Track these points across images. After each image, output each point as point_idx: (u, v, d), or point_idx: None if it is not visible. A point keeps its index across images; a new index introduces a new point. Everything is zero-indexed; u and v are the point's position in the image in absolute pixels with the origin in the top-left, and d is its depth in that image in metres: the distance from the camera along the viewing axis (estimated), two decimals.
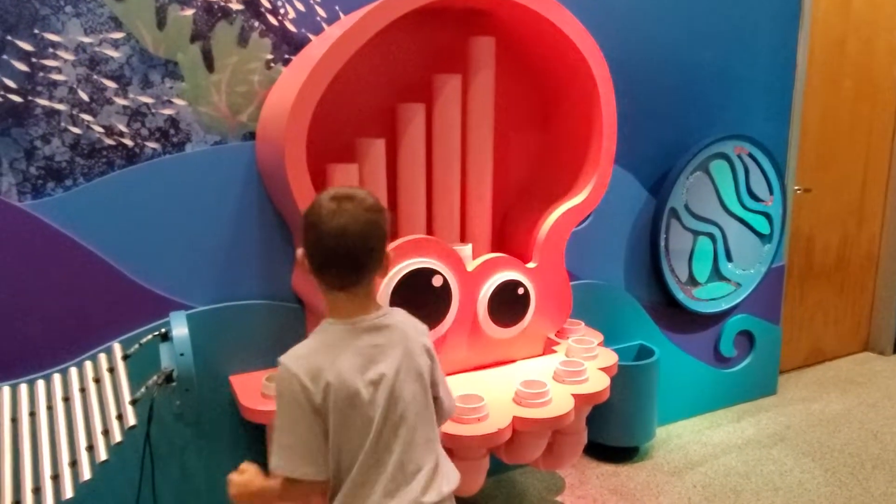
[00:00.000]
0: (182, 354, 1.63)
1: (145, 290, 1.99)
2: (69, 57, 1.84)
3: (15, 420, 1.65)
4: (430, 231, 2.17)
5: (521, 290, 2.12)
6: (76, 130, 1.88)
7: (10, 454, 1.58)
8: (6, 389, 1.70)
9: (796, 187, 3.34)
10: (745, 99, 2.96)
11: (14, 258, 1.82)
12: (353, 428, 1.19)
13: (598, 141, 2.21)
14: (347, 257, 1.18)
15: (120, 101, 1.91)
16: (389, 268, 1.28)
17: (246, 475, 1.23)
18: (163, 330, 1.76)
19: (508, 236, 2.39)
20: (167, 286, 2.02)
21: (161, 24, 1.92)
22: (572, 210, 2.21)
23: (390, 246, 1.95)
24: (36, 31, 1.79)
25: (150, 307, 1.99)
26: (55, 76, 1.84)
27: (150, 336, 1.77)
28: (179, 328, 1.68)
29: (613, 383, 2.21)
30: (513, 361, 2.23)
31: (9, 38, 1.77)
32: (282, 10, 2.04)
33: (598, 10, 2.44)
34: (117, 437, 1.60)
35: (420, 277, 1.96)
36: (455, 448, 1.80)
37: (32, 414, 1.68)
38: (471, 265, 2.10)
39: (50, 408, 1.70)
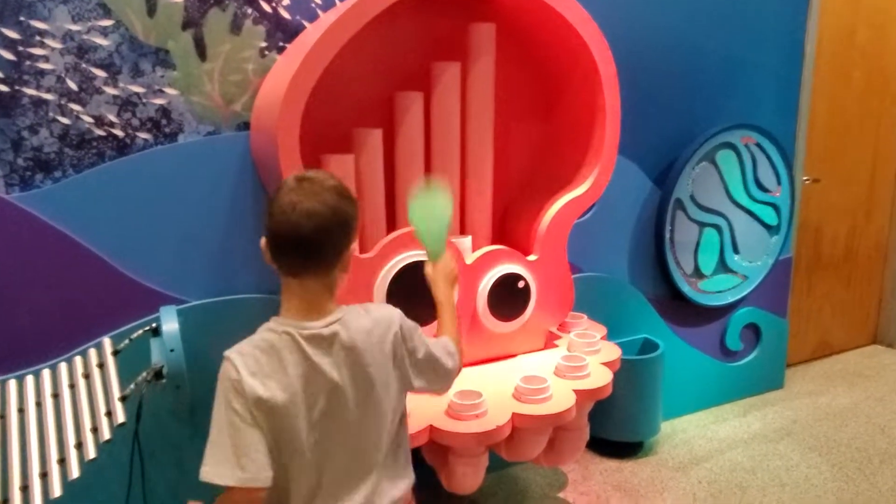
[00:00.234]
0: (172, 350, 1.59)
1: (137, 284, 1.95)
2: (56, 45, 1.79)
3: (3, 416, 1.62)
4: None
5: (521, 284, 2.08)
6: (65, 121, 1.83)
7: None
8: None
9: (805, 178, 3.28)
10: (752, 88, 2.90)
11: (2, 251, 1.78)
12: (290, 442, 1.14)
13: (600, 130, 2.15)
14: (296, 237, 1.11)
15: (110, 91, 1.87)
16: (349, 265, 1.21)
17: None
18: (153, 325, 1.72)
19: (509, 228, 2.34)
20: (160, 280, 1.98)
21: (151, 10, 1.87)
22: (574, 201, 2.16)
23: (386, 238, 1.92)
24: (22, 18, 1.75)
25: (142, 301, 1.95)
26: (42, 65, 1.79)
27: (140, 331, 1.73)
28: (169, 323, 1.64)
29: (617, 377, 2.17)
30: (513, 356, 2.19)
31: None
32: None
33: None
34: (106, 434, 1.56)
35: (418, 271, 1.90)
36: (453, 445, 1.76)
37: (21, 410, 1.64)
38: (470, 258, 2.05)
39: (39, 404, 1.66)
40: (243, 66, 2.00)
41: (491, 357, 2.15)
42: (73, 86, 1.83)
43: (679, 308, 2.91)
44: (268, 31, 2.01)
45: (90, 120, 1.86)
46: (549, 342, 2.27)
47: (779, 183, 3.00)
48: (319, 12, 2.04)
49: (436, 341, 1.35)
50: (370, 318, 1.22)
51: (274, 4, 1.99)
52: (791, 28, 2.94)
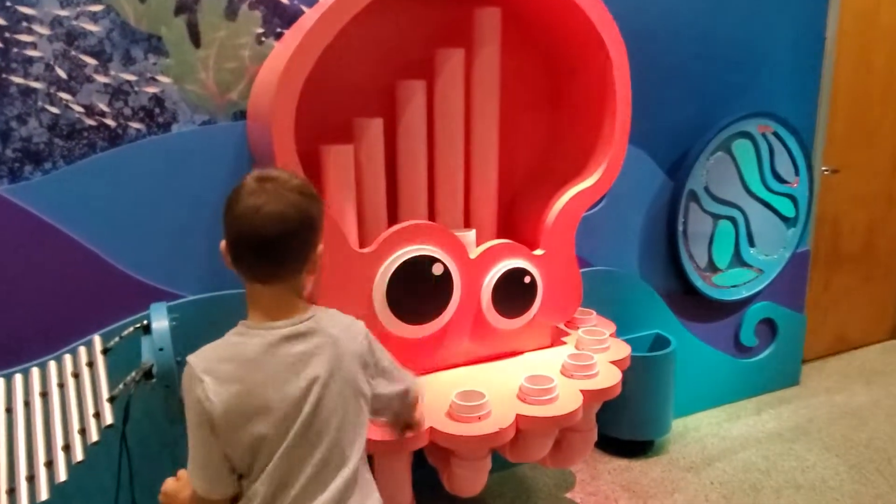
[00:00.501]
0: (161, 349, 1.54)
1: (130, 279, 1.90)
2: (45, 31, 1.73)
3: None
4: (431, 216, 2.05)
5: (527, 279, 2.00)
6: (54, 110, 1.77)
7: None
8: None
9: (824, 168, 3.17)
10: (769, 74, 2.78)
11: None
12: (260, 444, 1.08)
13: (611, 119, 2.07)
14: (261, 242, 1.05)
15: (100, 79, 1.80)
16: (319, 266, 1.15)
17: (180, 483, 1.19)
18: (144, 322, 1.66)
19: (516, 222, 2.26)
20: (154, 275, 1.92)
21: None
22: (583, 193, 2.07)
23: (386, 232, 1.85)
24: (8, 3, 1.68)
25: (136, 297, 1.89)
26: (30, 52, 1.73)
27: (131, 328, 1.67)
28: (159, 321, 1.58)
29: (627, 375, 2.09)
30: (519, 353, 2.11)
31: None
32: None
33: None
34: (94, 436, 1.51)
35: (419, 265, 1.84)
36: (454, 448, 1.69)
37: (9, 410, 1.60)
38: (474, 252, 1.97)
39: (27, 403, 1.61)
40: (239, 52, 1.93)
41: (496, 355, 2.08)
42: (62, 74, 1.76)
43: (692, 303, 2.82)
44: (265, 16, 1.93)
45: (80, 109, 1.80)
46: (557, 339, 2.20)
47: (797, 173, 2.89)
48: None
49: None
50: (343, 320, 1.19)
51: None
52: (811, 10, 2.82)
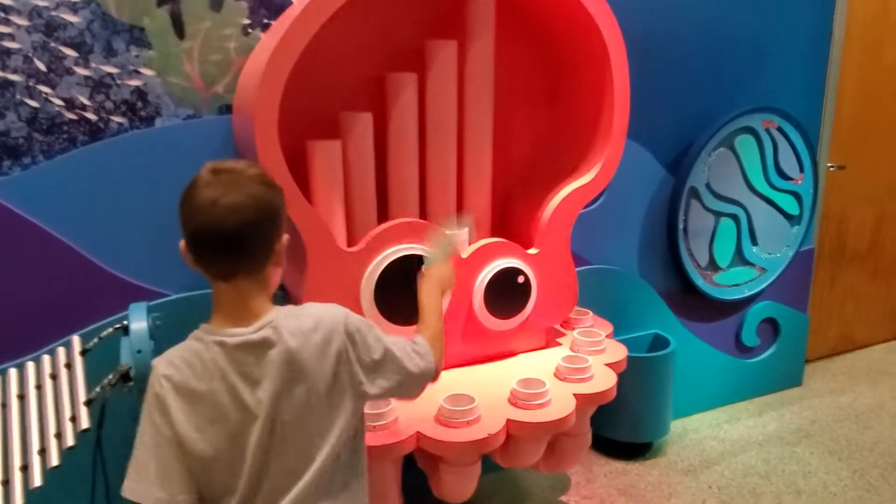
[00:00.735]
0: (139, 352, 1.49)
1: (113, 277, 1.85)
2: (23, 22, 1.68)
3: None
4: (423, 215, 1.99)
5: (520, 279, 1.94)
6: (33, 104, 1.73)
7: None
8: None
9: (829, 164, 3.09)
10: (774, 68, 2.71)
11: None
12: (219, 457, 1.04)
13: (608, 114, 2.00)
14: (220, 236, 0.99)
15: (81, 72, 1.75)
16: (282, 258, 1.09)
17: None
18: (124, 322, 1.62)
19: (511, 220, 2.20)
20: (138, 272, 1.88)
21: None
22: (579, 191, 2.01)
23: (374, 230, 1.80)
24: None
25: (119, 295, 1.85)
26: (8, 44, 1.68)
27: (110, 329, 1.62)
28: (138, 322, 1.53)
29: (625, 376, 2.05)
30: (513, 355, 2.06)
31: None
32: None
33: None
34: (70, 440, 1.47)
35: (408, 265, 1.78)
36: (442, 454, 1.64)
37: None
38: (466, 251, 1.92)
39: (4, 405, 1.57)
40: (225, 44, 1.88)
41: (488, 356, 2.03)
42: (41, 66, 1.72)
43: (692, 302, 2.76)
44: (251, 6, 1.88)
45: (60, 103, 1.75)
46: (552, 340, 2.14)
47: (801, 170, 2.82)
48: None
49: (400, 340, 1.21)
50: (311, 319, 1.08)
51: None
52: (818, 1, 2.74)
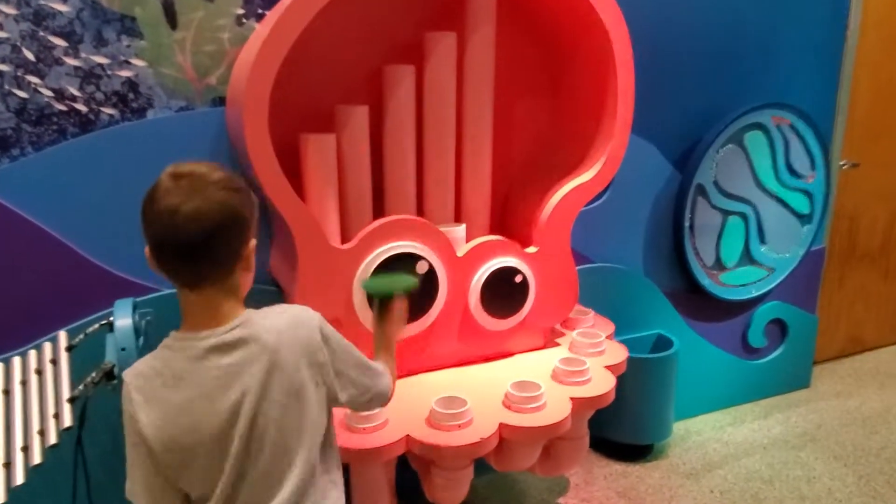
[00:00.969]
0: (123, 349, 1.46)
1: (104, 272, 1.82)
2: (11, 11, 1.65)
3: None
4: (420, 211, 1.95)
5: (518, 278, 1.90)
6: (22, 94, 1.69)
7: None
8: None
9: (842, 162, 3.01)
10: (786, 62, 2.63)
11: None
12: (195, 464, 1.01)
13: (611, 109, 1.94)
14: (183, 246, 0.95)
15: (70, 62, 1.72)
16: (252, 262, 1.05)
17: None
18: (111, 318, 1.59)
19: (511, 217, 2.15)
20: (129, 267, 1.85)
21: None
22: (580, 188, 1.96)
23: (367, 228, 1.75)
24: None
25: (110, 290, 1.81)
26: None
27: (96, 325, 1.60)
28: (122, 319, 1.50)
29: (627, 376, 2.01)
30: (510, 355, 2.02)
31: None
32: None
33: None
34: (52, 438, 1.44)
35: (401, 264, 1.74)
36: (432, 457, 1.60)
37: None
38: (462, 249, 1.87)
39: None
40: (218, 35, 1.83)
41: (484, 356, 1.99)
42: (30, 56, 1.68)
43: (697, 302, 2.71)
44: None
45: (50, 93, 1.71)
46: (551, 340, 2.10)
47: (813, 168, 2.75)
48: None
49: (365, 358, 1.19)
50: (285, 318, 1.05)
51: None
52: None
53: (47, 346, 1.62)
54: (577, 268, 2.19)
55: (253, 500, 1.04)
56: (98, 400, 1.54)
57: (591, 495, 2.32)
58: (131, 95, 1.79)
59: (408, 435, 1.59)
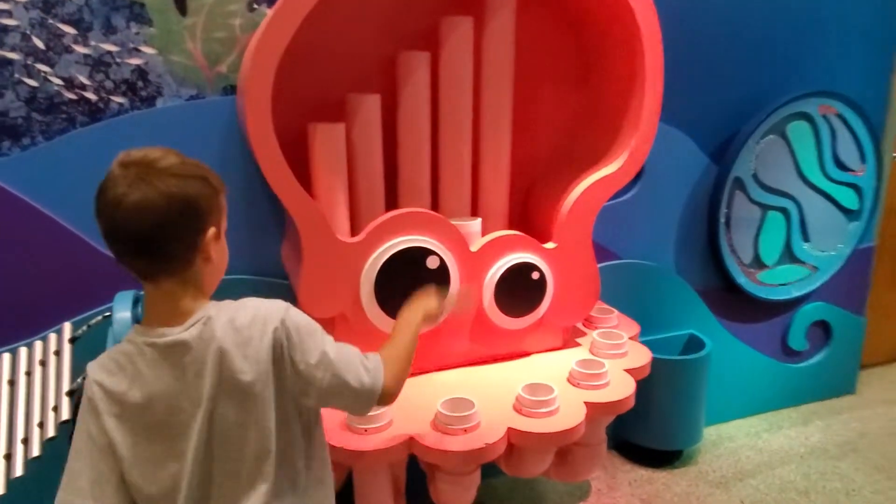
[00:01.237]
0: None
1: (113, 262, 1.79)
2: None
3: None
4: (434, 205, 1.88)
5: (535, 275, 1.81)
6: (32, 83, 1.68)
7: None
8: None
9: (895, 154, 2.82)
10: (834, 47, 2.46)
11: None
12: (154, 468, 0.97)
13: (639, 98, 1.83)
14: (130, 238, 0.91)
15: (80, 50, 1.70)
16: (212, 252, 0.98)
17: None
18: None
19: (532, 212, 2.06)
20: None
21: None
22: (603, 181, 1.86)
23: (376, 221, 1.69)
24: None
25: (118, 281, 1.79)
26: (5, 20, 1.63)
27: (99, 317, 1.58)
28: (122, 311, 1.48)
29: (655, 379, 1.92)
30: (526, 355, 1.93)
31: None
32: None
33: None
34: (51, 430, 1.43)
35: (411, 258, 1.68)
36: (436, 462, 1.54)
37: None
38: (476, 244, 1.80)
39: None
40: (229, 21, 1.79)
41: (497, 356, 1.91)
42: (39, 44, 1.66)
43: (733, 301, 2.57)
44: None
45: (59, 82, 1.70)
46: (570, 340, 2.00)
47: (863, 160, 2.57)
48: None
49: (350, 349, 1.09)
50: (248, 313, 0.99)
51: None
52: None
53: (52, 338, 1.62)
54: (603, 264, 2.10)
55: (225, 502, 1.00)
56: None
57: (614, 501, 2.22)
58: (141, 84, 1.76)
59: (411, 437, 1.52)
